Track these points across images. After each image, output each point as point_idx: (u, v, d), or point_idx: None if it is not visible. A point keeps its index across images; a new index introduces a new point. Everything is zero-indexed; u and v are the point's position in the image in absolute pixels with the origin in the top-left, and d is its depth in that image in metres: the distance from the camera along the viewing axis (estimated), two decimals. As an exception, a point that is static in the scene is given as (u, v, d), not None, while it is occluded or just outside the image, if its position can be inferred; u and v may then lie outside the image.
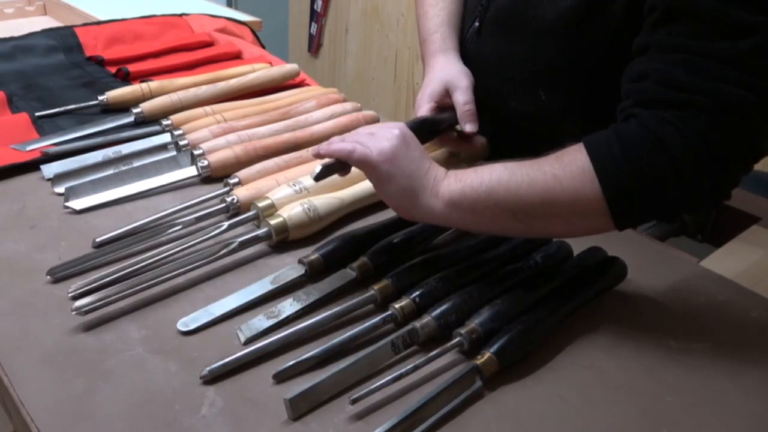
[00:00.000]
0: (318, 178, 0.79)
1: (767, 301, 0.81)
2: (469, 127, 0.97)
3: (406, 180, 0.74)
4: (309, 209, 0.85)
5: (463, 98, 0.98)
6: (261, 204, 0.87)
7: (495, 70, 1.03)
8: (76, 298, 0.73)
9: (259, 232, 0.83)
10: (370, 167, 0.76)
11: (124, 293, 0.73)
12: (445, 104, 1.00)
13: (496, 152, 1.07)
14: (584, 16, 0.88)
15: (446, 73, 1.02)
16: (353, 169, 0.96)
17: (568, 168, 0.70)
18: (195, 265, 0.78)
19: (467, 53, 1.09)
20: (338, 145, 0.77)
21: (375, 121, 1.13)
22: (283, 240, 0.85)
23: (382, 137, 0.76)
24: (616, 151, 0.68)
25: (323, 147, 0.79)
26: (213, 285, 0.79)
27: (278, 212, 0.85)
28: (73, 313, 0.70)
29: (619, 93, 0.75)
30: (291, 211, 0.84)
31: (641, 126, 0.68)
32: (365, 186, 0.92)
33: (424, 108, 0.99)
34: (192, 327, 0.72)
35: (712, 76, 0.65)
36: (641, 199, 0.68)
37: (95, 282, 0.75)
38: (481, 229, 0.76)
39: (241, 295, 0.76)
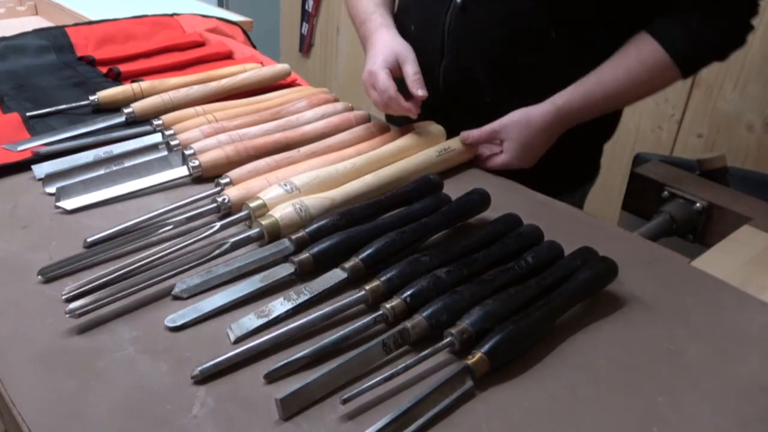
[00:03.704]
0: None
1: (758, 302, 0.82)
2: (420, 92, 1.02)
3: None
4: (300, 209, 0.85)
5: (412, 69, 1.04)
6: (252, 204, 0.87)
7: (492, 35, 1.08)
8: (69, 300, 0.73)
9: (251, 232, 0.83)
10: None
11: (118, 295, 0.73)
12: (396, 73, 1.06)
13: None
14: None
15: (395, 44, 1.09)
16: (344, 168, 0.96)
17: (644, 56, 1.01)
18: (188, 266, 0.78)
19: (448, 34, 1.11)
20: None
21: (366, 121, 1.13)
22: (275, 240, 0.85)
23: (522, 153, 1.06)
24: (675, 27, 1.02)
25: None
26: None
27: (270, 212, 0.85)
28: (67, 315, 0.70)
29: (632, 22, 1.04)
30: (283, 211, 0.85)
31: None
32: (356, 186, 0.92)
33: (382, 74, 1.04)
34: (179, 323, 0.71)
35: None
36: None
37: (88, 284, 0.74)
38: None
39: (229, 293, 0.76)
